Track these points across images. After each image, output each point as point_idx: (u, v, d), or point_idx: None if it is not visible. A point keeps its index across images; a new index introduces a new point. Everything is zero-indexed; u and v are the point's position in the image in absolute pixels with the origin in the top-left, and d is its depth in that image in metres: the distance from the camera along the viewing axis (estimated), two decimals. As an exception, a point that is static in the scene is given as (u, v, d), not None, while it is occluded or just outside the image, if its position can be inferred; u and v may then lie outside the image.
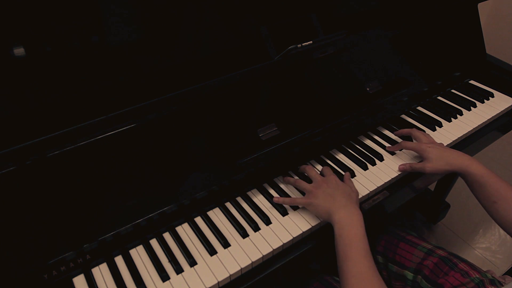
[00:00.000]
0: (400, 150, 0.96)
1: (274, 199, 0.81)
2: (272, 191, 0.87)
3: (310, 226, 0.79)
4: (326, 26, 0.94)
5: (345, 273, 0.67)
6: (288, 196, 0.84)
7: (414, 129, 0.96)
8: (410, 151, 0.95)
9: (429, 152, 0.87)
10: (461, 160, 0.84)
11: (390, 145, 0.98)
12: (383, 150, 0.98)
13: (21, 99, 0.67)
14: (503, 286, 0.81)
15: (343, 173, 0.90)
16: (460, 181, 1.55)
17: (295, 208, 0.82)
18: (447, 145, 1.02)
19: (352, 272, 0.66)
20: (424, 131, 1.04)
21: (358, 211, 0.74)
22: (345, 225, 0.71)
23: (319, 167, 0.93)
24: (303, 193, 0.84)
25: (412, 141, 0.97)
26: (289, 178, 0.86)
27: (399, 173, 0.91)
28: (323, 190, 0.78)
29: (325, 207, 0.75)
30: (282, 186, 0.88)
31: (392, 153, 0.97)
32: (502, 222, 0.80)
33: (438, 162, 0.85)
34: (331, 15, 0.98)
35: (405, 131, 0.98)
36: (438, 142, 1.01)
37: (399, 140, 1.00)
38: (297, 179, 0.84)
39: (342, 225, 0.71)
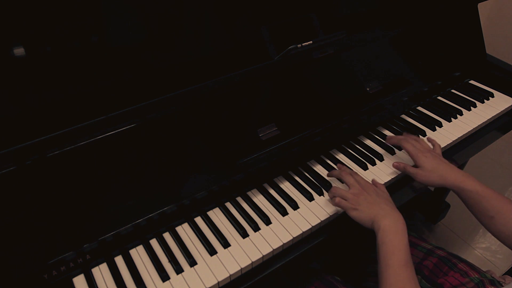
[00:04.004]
0: (400, 150, 0.95)
1: (331, 191, 0.81)
2: (272, 191, 0.87)
3: (310, 226, 0.79)
4: (326, 26, 0.94)
5: (385, 281, 0.66)
6: (289, 197, 0.84)
7: (410, 136, 0.92)
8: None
9: (424, 161, 0.84)
10: (454, 175, 0.82)
11: (389, 137, 0.94)
12: (383, 150, 0.98)
13: (21, 99, 0.67)
14: (503, 286, 0.81)
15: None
16: (460, 181, 1.55)
17: (295, 208, 0.82)
18: (447, 145, 1.02)
19: (390, 281, 0.66)
20: (424, 131, 1.04)
21: (402, 219, 0.73)
22: (389, 233, 0.70)
23: (319, 167, 0.93)
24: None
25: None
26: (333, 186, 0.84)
27: (399, 173, 0.91)
28: (365, 197, 0.77)
29: (370, 214, 0.74)
30: (282, 186, 0.88)
31: (392, 153, 0.97)
32: (502, 237, 0.78)
33: (431, 173, 0.83)
34: (331, 15, 0.98)
35: (401, 137, 0.94)
36: (439, 142, 1.01)
37: (379, 149, 0.97)
38: (335, 186, 0.83)
39: (386, 233, 0.70)
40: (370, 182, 0.89)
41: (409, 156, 0.88)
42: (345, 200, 0.78)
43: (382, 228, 0.71)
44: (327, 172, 0.91)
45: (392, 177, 0.90)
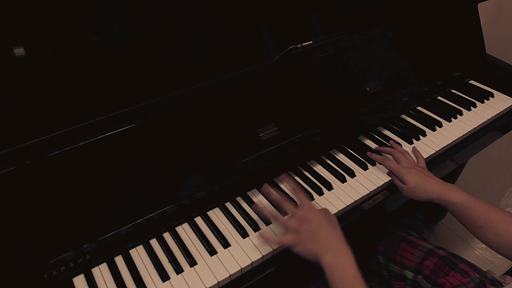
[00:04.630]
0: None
1: (259, 234, 0.75)
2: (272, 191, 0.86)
3: (310, 226, 0.78)
4: (326, 26, 0.94)
5: None
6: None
7: (396, 150, 0.91)
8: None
9: (407, 177, 0.84)
10: (438, 189, 0.81)
11: (371, 153, 0.94)
12: (383, 150, 0.98)
13: (21, 99, 0.67)
14: (503, 286, 0.81)
15: (343, 173, 0.90)
16: (460, 181, 1.55)
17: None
18: (447, 145, 1.02)
19: None
20: (424, 131, 1.04)
21: (345, 248, 0.69)
22: (334, 268, 0.67)
23: (319, 167, 0.93)
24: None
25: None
26: (262, 207, 0.78)
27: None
28: (305, 228, 0.71)
29: (311, 249, 0.70)
30: (282, 186, 0.88)
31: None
32: (493, 246, 0.77)
33: (415, 190, 0.83)
34: (331, 15, 0.98)
35: (386, 149, 0.94)
36: (439, 142, 1.01)
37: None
38: (275, 212, 0.79)
39: (331, 270, 0.67)
40: (370, 181, 0.89)
41: (394, 172, 0.87)
42: (289, 231, 0.72)
43: (326, 265, 0.68)
44: (327, 172, 0.91)
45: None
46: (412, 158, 0.91)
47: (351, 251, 0.69)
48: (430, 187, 0.82)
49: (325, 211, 0.76)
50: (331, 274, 0.67)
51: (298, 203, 0.77)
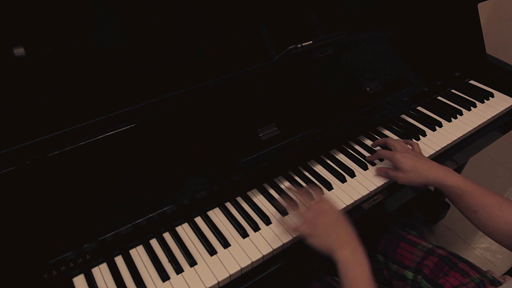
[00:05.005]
0: (381, 161, 0.94)
1: (279, 219, 0.77)
2: (272, 191, 0.86)
3: (310, 226, 0.79)
4: (326, 26, 0.94)
5: None
6: (289, 197, 0.84)
7: (389, 138, 0.92)
8: None
9: (402, 162, 0.82)
10: (434, 172, 0.80)
11: (370, 155, 0.94)
12: (383, 150, 0.98)
13: (21, 99, 0.67)
14: (503, 286, 0.81)
15: (343, 173, 0.90)
16: (460, 181, 1.55)
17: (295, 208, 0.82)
18: (448, 145, 1.02)
19: None
20: (424, 131, 1.04)
21: (360, 247, 0.69)
22: (349, 265, 0.67)
23: (319, 167, 0.93)
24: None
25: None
26: (281, 202, 0.80)
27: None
28: (322, 221, 0.71)
29: (327, 242, 0.69)
30: (282, 186, 0.88)
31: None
32: (487, 231, 0.77)
33: (410, 174, 0.81)
34: (331, 15, 0.98)
35: (380, 141, 0.94)
36: (439, 142, 1.01)
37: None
38: (293, 205, 0.79)
39: (346, 265, 0.67)
40: (370, 181, 0.89)
41: (388, 159, 0.87)
42: (305, 221, 0.73)
43: (341, 260, 0.67)
44: (327, 172, 0.92)
45: (392, 177, 0.90)
46: (407, 145, 0.90)
47: (365, 251, 0.69)
48: (426, 170, 0.81)
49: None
50: (345, 270, 0.66)
51: (316, 199, 0.79)
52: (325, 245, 0.69)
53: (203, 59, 0.83)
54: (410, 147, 0.91)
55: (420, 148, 0.91)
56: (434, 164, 0.82)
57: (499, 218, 0.74)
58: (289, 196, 0.84)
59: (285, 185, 0.88)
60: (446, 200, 1.61)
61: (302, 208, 0.80)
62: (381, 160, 0.94)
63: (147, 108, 0.71)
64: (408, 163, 0.82)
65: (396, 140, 0.91)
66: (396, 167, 0.86)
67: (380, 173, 0.89)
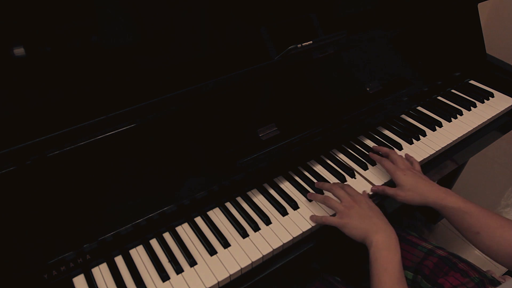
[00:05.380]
0: (400, 150, 0.95)
1: (311, 217, 0.79)
2: (272, 191, 0.87)
3: (310, 226, 0.79)
4: (326, 26, 0.94)
5: None
6: (289, 197, 0.84)
7: (393, 152, 0.90)
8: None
9: (402, 180, 0.82)
10: (434, 193, 0.79)
11: (372, 153, 0.93)
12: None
13: (21, 99, 0.67)
14: (503, 286, 0.81)
15: (343, 173, 0.90)
16: (460, 181, 1.55)
17: (295, 208, 0.82)
18: (448, 145, 1.02)
19: None
20: (424, 131, 1.04)
21: (395, 234, 0.71)
22: (382, 249, 0.69)
23: (319, 167, 0.93)
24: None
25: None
26: (316, 194, 0.82)
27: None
28: (356, 210, 0.74)
29: (362, 228, 0.72)
30: (282, 186, 0.88)
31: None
32: (489, 252, 0.75)
33: (410, 193, 0.80)
34: (331, 15, 0.98)
35: (384, 149, 0.93)
36: (439, 142, 1.01)
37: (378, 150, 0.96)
38: (326, 196, 0.80)
39: (379, 249, 0.69)
40: (370, 181, 0.89)
41: (389, 173, 0.86)
42: (336, 211, 0.76)
43: (375, 244, 0.69)
44: (327, 172, 0.92)
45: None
46: (407, 163, 0.88)
47: (398, 239, 0.71)
48: (426, 190, 0.80)
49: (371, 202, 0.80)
50: (378, 253, 0.69)
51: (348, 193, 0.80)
52: (361, 231, 0.72)
53: (203, 59, 0.83)
54: (411, 164, 0.89)
55: (420, 167, 0.89)
56: (435, 185, 0.81)
57: (501, 239, 0.73)
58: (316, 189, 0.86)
59: (285, 185, 0.88)
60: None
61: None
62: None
63: (147, 108, 0.71)
64: (409, 181, 0.81)
65: (399, 155, 0.89)
66: (395, 184, 0.84)
67: (377, 191, 0.87)
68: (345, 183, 0.89)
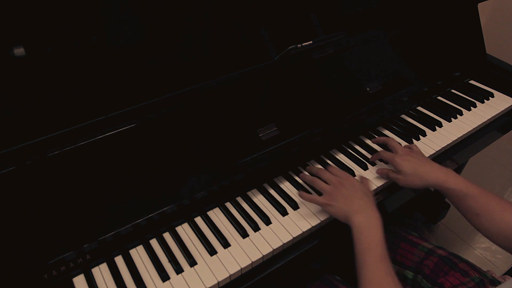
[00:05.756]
0: (382, 160, 0.93)
1: (299, 193, 0.81)
2: (272, 191, 0.86)
3: (310, 226, 0.79)
4: (326, 26, 0.94)
5: (362, 278, 0.66)
6: (289, 197, 0.84)
7: (390, 139, 0.92)
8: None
9: (402, 165, 0.82)
10: (435, 175, 0.79)
11: (372, 155, 0.93)
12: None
13: (21, 99, 0.67)
14: (503, 285, 0.81)
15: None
16: (460, 181, 1.55)
17: (295, 208, 0.82)
18: (448, 145, 1.02)
19: (368, 277, 0.66)
20: (424, 131, 1.04)
21: (376, 214, 0.72)
22: (363, 229, 0.70)
23: (319, 167, 0.93)
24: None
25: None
26: (306, 174, 0.85)
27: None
28: (341, 192, 0.76)
29: (344, 209, 0.74)
30: (282, 186, 0.88)
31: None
32: (489, 234, 0.76)
33: (411, 177, 0.81)
34: (331, 15, 0.98)
35: (381, 139, 0.94)
36: (439, 142, 1.01)
37: (379, 148, 0.96)
38: (314, 178, 0.82)
39: (360, 229, 0.70)
40: (370, 181, 0.89)
41: (389, 162, 0.86)
42: (322, 192, 0.79)
43: (356, 224, 0.71)
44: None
45: (392, 177, 0.90)
46: (407, 149, 0.89)
47: (381, 219, 0.72)
48: (426, 173, 0.80)
49: (364, 180, 0.83)
50: (359, 233, 0.70)
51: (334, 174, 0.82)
52: (342, 212, 0.74)
53: (202, 59, 0.83)
54: (409, 149, 0.90)
55: (419, 149, 0.90)
56: (435, 166, 0.82)
57: (501, 221, 0.73)
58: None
59: (285, 185, 0.88)
60: (446, 200, 1.61)
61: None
62: (381, 159, 0.94)
63: (147, 108, 0.71)
64: (408, 166, 0.82)
65: (397, 142, 0.90)
66: (396, 170, 0.85)
67: (381, 174, 0.89)
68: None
